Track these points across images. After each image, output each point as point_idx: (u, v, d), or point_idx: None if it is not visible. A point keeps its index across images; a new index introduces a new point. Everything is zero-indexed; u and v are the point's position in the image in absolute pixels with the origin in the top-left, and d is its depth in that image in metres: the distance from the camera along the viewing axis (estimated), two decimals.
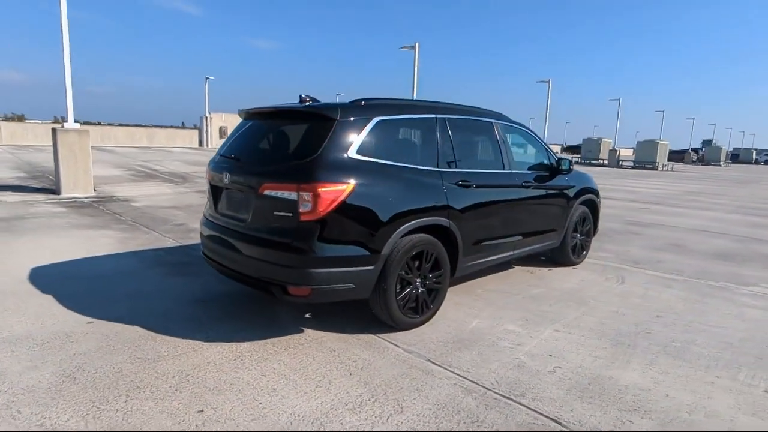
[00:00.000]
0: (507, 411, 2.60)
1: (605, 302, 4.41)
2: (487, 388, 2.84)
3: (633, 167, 34.36)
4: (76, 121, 10.08)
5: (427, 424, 2.46)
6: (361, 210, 3.23)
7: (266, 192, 3.23)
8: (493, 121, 4.55)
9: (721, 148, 49.46)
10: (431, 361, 3.16)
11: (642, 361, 3.24)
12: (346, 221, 3.18)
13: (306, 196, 3.05)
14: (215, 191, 3.84)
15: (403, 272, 3.50)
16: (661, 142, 34.02)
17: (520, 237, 4.63)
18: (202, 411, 2.52)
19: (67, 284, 4.40)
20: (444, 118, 4.00)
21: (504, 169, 4.46)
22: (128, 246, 5.88)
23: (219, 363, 3.03)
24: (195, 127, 36.29)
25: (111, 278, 4.64)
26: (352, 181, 3.18)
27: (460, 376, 2.97)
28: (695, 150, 53.99)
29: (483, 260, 4.26)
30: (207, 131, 34.78)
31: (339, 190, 3.11)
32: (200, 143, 35.17)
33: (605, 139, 37.61)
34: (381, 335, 3.53)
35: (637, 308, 4.27)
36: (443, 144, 3.92)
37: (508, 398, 2.74)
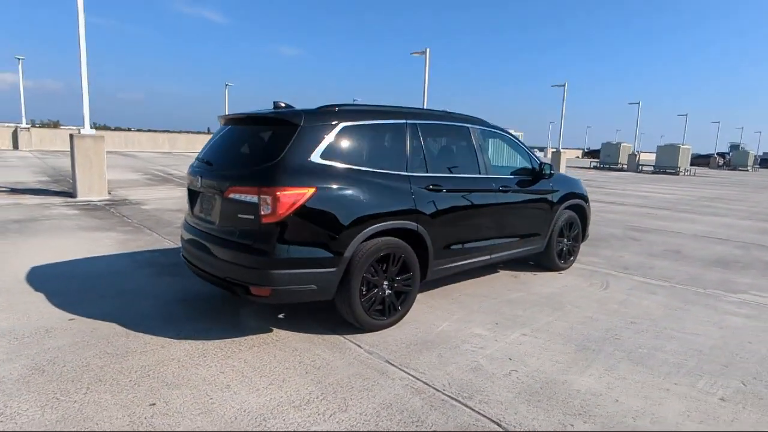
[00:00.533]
0: (450, 412, 2.62)
1: (582, 307, 4.36)
2: (437, 390, 2.86)
3: (653, 172, 33.56)
4: (92, 127, 10.46)
5: (367, 423, 2.50)
6: (323, 213, 3.29)
7: (231, 195, 3.33)
8: (470, 126, 4.57)
9: (749, 153, 47.81)
10: (389, 362, 3.19)
11: (601, 367, 3.20)
12: (307, 224, 3.25)
13: (266, 199, 3.13)
14: (191, 195, 3.97)
15: (369, 275, 3.55)
16: (683, 146, 33.15)
17: (498, 241, 4.63)
18: (154, 404, 2.61)
19: (60, 283, 4.59)
20: (415, 124, 4.04)
21: (479, 174, 4.47)
22: (128, 247, 6.08)
23: (182, 359, 3.13)
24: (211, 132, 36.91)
25: (103, 277, 4.81)
26: (314, 185, 3.25)
27: (414, 377, 3.00)
28: (721, 154, 52.33)
29: (457, 264, 4.27)
30: None
31: (299, 193, 3.19)
32: None
33: (624, 144, 36.84)
34: (347, 336, 3.59)
35: (613, 314, 4.21)
36: (413, 149, 3.96)
37: (455, 400, 2.75)
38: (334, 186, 3.37)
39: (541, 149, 43.40)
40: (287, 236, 3.19)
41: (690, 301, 4.63)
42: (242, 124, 3.89)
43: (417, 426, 2.49)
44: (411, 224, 3.75)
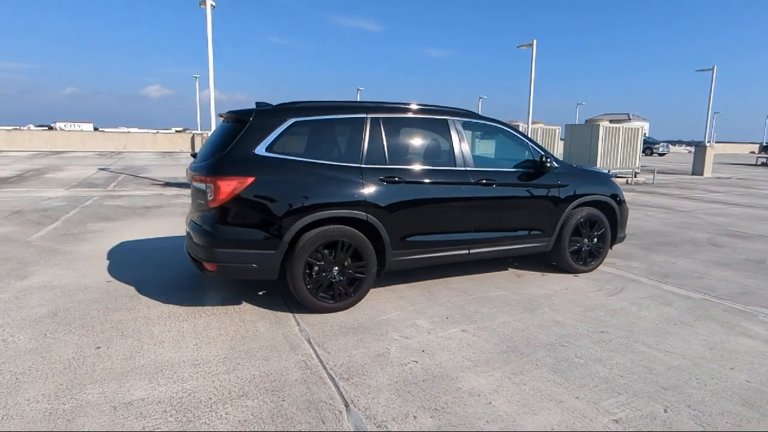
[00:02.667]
0: (314, 388, 2.71)
1: (559, 312, 3.93)
2: (324, 368, 2.95)
3: None
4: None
5: (235, 386, 2.73)
6: (262, 199, 3.58)
7: (194, 184, 3.82)
8: (449, 118, 4.40)
9: None
10: (309, 340, 3.36)
11: (510, 370, 2.93)
12: (246, 209, 3.57)
13: (211, 186, 3.54)
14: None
15: (313, 259, 3.74)
16: None
17: (479, 236, 4.38)
18: (99, 348, 3.19)
19: (127, 254, 5.64)
20: (378, 118, 4.07)
21: (454, 166, 4.29)
22: None
23: (151, 318, 3.71)
24: None
25: (160, 252, 5.76)
26: (253, 175, 3.56)
27: (316, 355, 3.13)
28: None
29: (422, 256, 4.19)
30: None
31: (238, 182, 3.52)
32: None
33: None
34: (298, 314, 3.82)
35: (589, 321, 3.72)
36: (372, 142, 4.00)
37: (331, 378, 2.82)
38: (276, 176, 3.64)
39: (689, 143, 37.23)
40: (228, 219, 3.56)
41: (705, 317, 3.83)
42: (223, 121, 4.37)
43: (273, 394, 2.64)
44: (360, 214, 3.83)
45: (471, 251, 4.41)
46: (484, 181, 4.35)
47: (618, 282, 4.75)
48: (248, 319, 3.72)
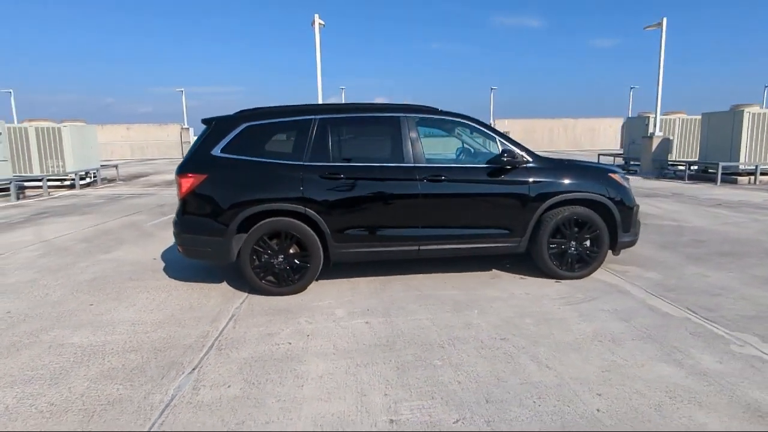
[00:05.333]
0: (188, 353, 3.12)
1: (486, 315, 3.64)
2: (217, 338, 3.34)
3: None
4: None
5: (138, 342, 3.29)
6: (212, 193, 4.11)
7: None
8: (402, 115, 4.32)
9: None
10: (232, 316, 3.77)
11: (359, 362, 2.93)
12: (200, 201, 4.14)
13: (178, 182, 4.20)
14: None
15: (259, 247, 4.14)
16: None
17: (430, 232, 4.24)
18: (91, 305, 4.11)
19: None
20: (324, 119, 4.26)
21: (402, 163, 4.22)
22: None
23: (147, 288, 4.54)
24: None
25: None
26: (206, 173, 4.11)
27: (222, 328, 3.53)
28: None
29: (366, 250, 4.25)
30: None
31: (193, 178, 4.11)
32: None
33: None
34: (252, 295, 4.25)
35: (504, 328, 3.39)
36: (317, 142, 4.21)
37: (210, 348, 3.20)
38: (225, 174, 4.13)
39: None
40: (188, 210, 4.18)
41: (653, 338, 3.13)
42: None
43: (156, 353, 3.13)
44: (299, 208, 4.10)
45: (421, 248, 4.30)
46: (433, 178, 4.20)
47: (597, 292, 4.09)
48: (211, 295, 4.30)
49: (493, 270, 4.83)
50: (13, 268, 5.33)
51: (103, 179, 16.21)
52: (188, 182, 4.14)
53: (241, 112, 4.43)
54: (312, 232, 4.16)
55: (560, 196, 4.31)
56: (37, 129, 14.88)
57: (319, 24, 14.19)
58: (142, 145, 34.91)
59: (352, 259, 4.35)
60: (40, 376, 2.84)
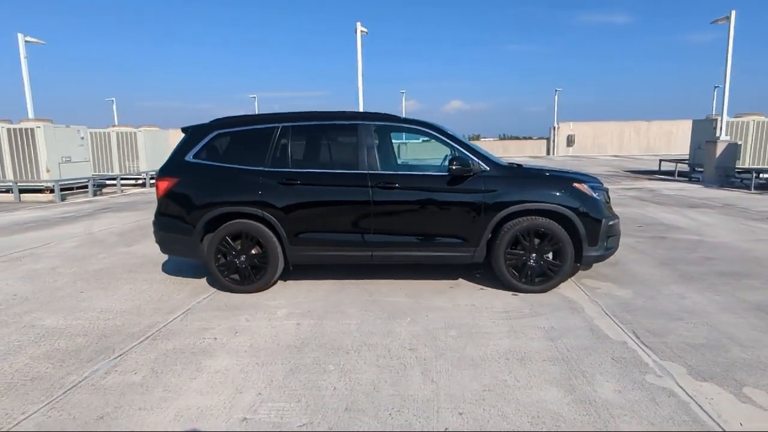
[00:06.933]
0: (117, 340, 3.41)
1: (416, 325, 3.57)
2: (157, 330, 3.61)
3: None
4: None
5: (93, 328, 3.65)
6: (181, 196, 4.42)
7: None
8: (360, 123, 4.34)
9: None
10: (187, 310, 4.04)
11: (252, 362, 3.02)
12: (171, 203, 4.46)
13: (156, 185, 4.56)
14: None
15: (222, 247, 4.38)
16: None
17: (381, 239, 4.22)
18: (82, 292, 4.59)
19: None
20: (288, 126, 4.40)
21: (356, 169, 4.23)
22: None
23: (137, 280, 4.97)
24: (544, 138, 36.79)
25: None
26: (178, 177, 4.43)
27: (170, 321, 3.80)
28: None
29: (320, 253, 4.33)
30: (554, 140, 34.79)
31: (168, 181, 4.44)
32: (547, 152, 35.54)
33: None
34: (220, 292, 4.52)
35: (422, 338, 3.32)
36: (278, 148, 4.36)
37: (140, 336, 3.47)
38: (193, 178, 4.42)
39: None
40: (162, 210, 4.52)
41: (560, 359, 2.90)
42: None
43: (100, 338, 3.45)
44: (257, 211, 4.28)
45: (374, 254, 4.30)
46: (384, 185, 4.18)
47: (547, 308, 3.84)
48: (185, 289, 4.62)
49: (459, 279, 4.70)
50: (47, 256, 6.07)
51: None
52: (163, 185, 4.49)
53: (215, 120, 4.71)
54: (272, 234, 4.33)
55: (517, 206, 4.09)
56: (117, 133, 16.66)
57: (362, 31, 14.45)
58: None
59: (308, 261, 4.45)
60: None
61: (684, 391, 2.52)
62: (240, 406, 2.51)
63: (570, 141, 34.50)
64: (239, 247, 4.38)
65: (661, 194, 11.37)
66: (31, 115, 14.03)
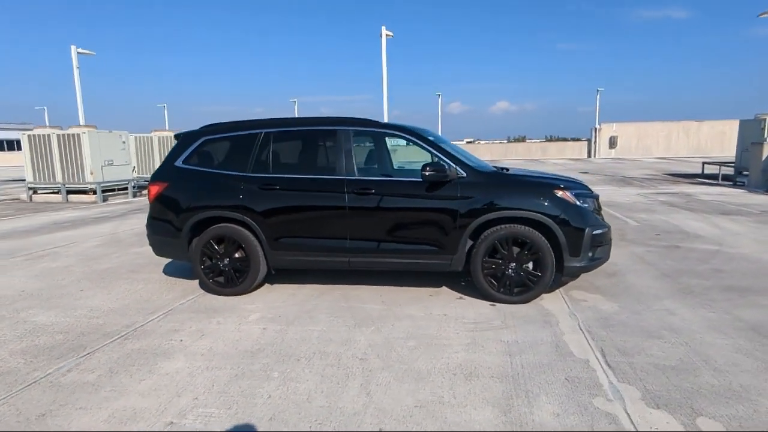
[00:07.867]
0: (97, 338, 3.55)
1: (377, 332, 3.49)
2: (133, 329, 3.73)
3: None
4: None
5: (78, 324, 3.82)
6: (169, 200, 4.55)
7: None
8: (339, 128, 4.29)
9: None
10: (168, 311, 4.16)
11: (208, 365, 3.04)
12: (161, 207, 4.60)
13: (148, 189, 4.73)
14: None
15: (207, 250, 4.48)
16: None
17: (359, 245, 4.17)
18: (82, 290, 4.83)
19: None
20: (270, 132, 4.43)
21: (334, 175, 4.20)
22: None
23: (135, 280, 5.18)
24: (585, 139, 35.26)
25: None
26: (167, 182, 4.57)
27: (147, 321, 3.92)
28: None
29: (298, 258, 4.33)
30: (595, 142, 33.31)
31: (157, 186, 4.60)
32: (588, 154, 34.07)
33: None
34: (207, 294, 4.63)
35: (374, 348, 3.24)
36: (260, 154, 4.41)
37: (118, 336, 3.59)
38: (181, 183, 4.54)
39: None
40: (153, 214, 4.68)
41: (522, 379, 2.72)
42: None
43: (80, 336, 3.61)
44: (237, 215, 4.34)
45: (351, 260, 4.25)
46: (360, 191, 4.12)
47: (519, 320, 3.64)
48: (174, 290, 4.76)
49: (443, 287, 4.56)
50: (67, 255, 6.44)
51: None
52: (154, 189, 4.65)
53: (204, 126, 4.82)
54: (253, 238, 4.38)
55: (492, 213, 3.92)
56: (159, 138, 17.53)
57: (386, 35, 14.44)
58: None
59: (288, 266, 4.47)
60: None
61: (629, 417, 2.31)
62: (172, 410, 2.53)
63: (612, 143, 32.94)
64: (223, 250, 4.46)
65: (695, 199, 10.60)
66: (81, 121, 15.05)
